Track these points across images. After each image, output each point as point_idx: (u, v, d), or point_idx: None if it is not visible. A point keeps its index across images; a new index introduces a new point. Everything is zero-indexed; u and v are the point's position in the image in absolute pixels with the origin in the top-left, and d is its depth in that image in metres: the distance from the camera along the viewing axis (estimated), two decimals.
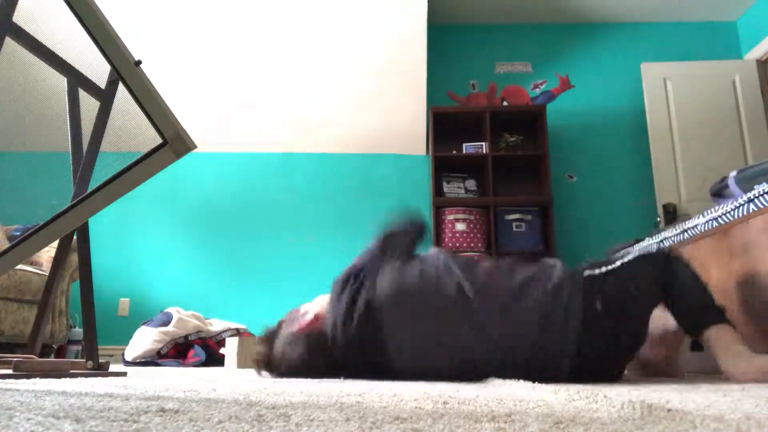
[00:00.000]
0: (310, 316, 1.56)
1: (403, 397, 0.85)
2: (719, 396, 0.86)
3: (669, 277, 1.36)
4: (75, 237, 1.50)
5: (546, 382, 1.14)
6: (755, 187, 1.65)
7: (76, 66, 1.51)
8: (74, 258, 3.14)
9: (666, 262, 1.39)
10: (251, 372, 2.06)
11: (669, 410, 0.62)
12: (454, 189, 4.08)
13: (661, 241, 2.16)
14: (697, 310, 1.34)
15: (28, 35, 1.30)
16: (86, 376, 1.40)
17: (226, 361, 2.57)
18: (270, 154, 4.45)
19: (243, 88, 4.08)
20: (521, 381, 1.25)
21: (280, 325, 1.62)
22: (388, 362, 1.42)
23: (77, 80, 1.50)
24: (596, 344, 1.29)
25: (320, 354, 1.49)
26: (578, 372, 1.30)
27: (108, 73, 1.48)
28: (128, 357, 3.11)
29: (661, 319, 1.51)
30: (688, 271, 1.39)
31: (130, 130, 3.52)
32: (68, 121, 1.53)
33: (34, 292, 3.11)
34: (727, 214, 1.77)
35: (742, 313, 1.70)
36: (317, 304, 1.62)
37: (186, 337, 3.16)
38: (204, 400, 0.79)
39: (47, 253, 3.41)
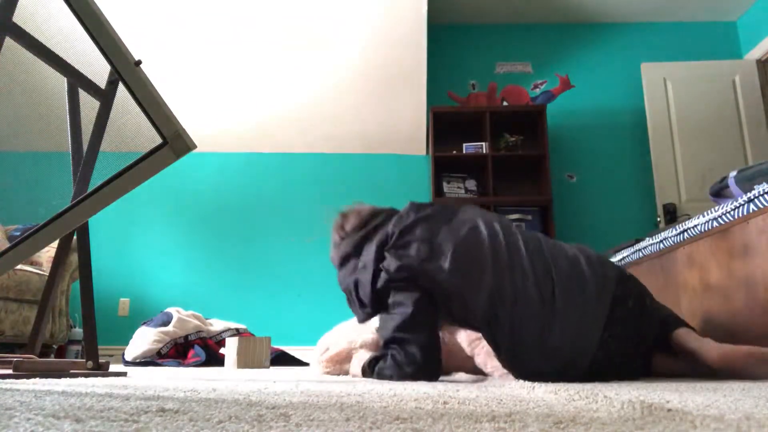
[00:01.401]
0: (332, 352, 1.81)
1: (403, 397, 0.85)
2: (719, 396, 0.86)
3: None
4: (75, 237, 1.50)
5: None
6: (755, 187, 1.65)
7: (76, 66, 1.51)
8: (74, 258, 3.14)
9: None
10: (251, 372, 2.06)
11: (669, 410, 0.62)
12: (454, 189, 4.08)
13: (661, 241, 2.16)
14: (666, 319, 1.53)
15: (28, 35, 1.29)
16: (86, 376, 1.40)
17: (226, 361, 2.56)
18: (270, 154, 4.45)
19: (243, 88, 4.08)
20: (521, 381, 1.26)
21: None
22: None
23: (77, 80, 1.50)
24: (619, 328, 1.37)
25: None
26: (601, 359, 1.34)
27: (108, 73, 1.48)
28: (128, 357, 3.11)
29: None
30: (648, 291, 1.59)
31: (130, 130, 3.53)
32: (68, 121, 1.53)
33: (34, 292, 3.11)
34: (727, 214, 1.77)
35: (741, 313, 1.70)
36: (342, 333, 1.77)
37: (186, 337, 3.16)
38: (204, 400, 0.79)
39: (47, 253, 3.41)
